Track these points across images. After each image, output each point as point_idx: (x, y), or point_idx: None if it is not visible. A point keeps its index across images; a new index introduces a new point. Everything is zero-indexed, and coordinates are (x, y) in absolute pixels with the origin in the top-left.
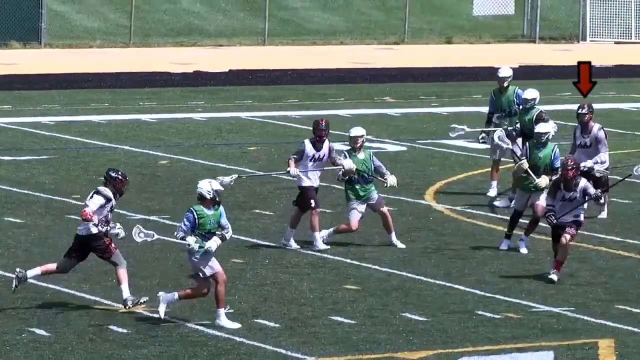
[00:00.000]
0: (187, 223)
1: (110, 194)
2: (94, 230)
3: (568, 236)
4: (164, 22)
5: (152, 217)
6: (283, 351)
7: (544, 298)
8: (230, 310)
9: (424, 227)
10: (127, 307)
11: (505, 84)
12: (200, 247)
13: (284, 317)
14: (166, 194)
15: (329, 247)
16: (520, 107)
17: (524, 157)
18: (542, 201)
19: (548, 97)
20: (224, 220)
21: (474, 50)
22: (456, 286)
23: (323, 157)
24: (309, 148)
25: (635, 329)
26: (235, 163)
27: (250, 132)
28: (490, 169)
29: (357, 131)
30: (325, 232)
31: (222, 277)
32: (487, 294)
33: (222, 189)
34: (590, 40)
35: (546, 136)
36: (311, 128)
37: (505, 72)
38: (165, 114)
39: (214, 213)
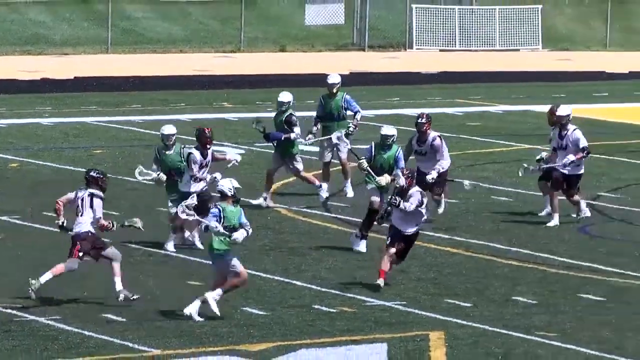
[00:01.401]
0: (212, 218)
1: (102, 194)
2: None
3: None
4: (12, 32)
5: (2, 217)
6: (130, 344)
7: (376, 293)
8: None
9: (262, 226)
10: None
11: (334, 90)
12: (225, 235)
13: (131, 311)
14: (16, 195)
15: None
16: (348, 111)
17: (362, 157)
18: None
19: (377, 102)
20: (244, 219)
21: (306, 58)
22: (294, 282)
23: (208, 162)
24: (198, 156)
25: (464, 322)
26: (82, 165)
27: (96, 136)
28: (321, 171)
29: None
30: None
31: (244, 276)
32: (323, 289)
33: (239, 186)
34: (417, 49)
35: (392, 139)
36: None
37: (334, 78)
38: (14, 119)
39: (236, 209)
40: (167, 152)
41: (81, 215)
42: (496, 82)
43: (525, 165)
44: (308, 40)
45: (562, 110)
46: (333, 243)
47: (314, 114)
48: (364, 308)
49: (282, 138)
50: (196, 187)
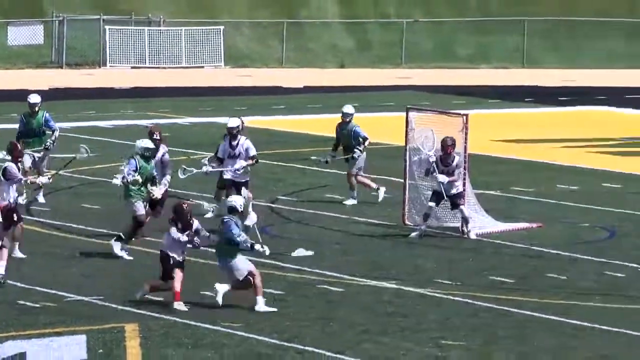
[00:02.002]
0: (241, 231)
1: None
2: None
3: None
4: None
5: None
6: None
7: (77, 288)
8: None
9: None
10: None
11: (36, 109)
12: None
13: None
14: None
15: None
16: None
17: (135, 172)
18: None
19: (75, 115)
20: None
21: (8, 76)
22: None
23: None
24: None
25: (156, 314)
26: None
27: None
28: None
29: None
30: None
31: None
32: (27, 286)
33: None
34: (110, 66)
35: (150, 152)
36: None
37: (35, 99)
38: None
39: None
40: None
41: None
42: (184, 97)
43: (184, 166)
44: (11, 59)
45: (232, 122)
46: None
47: (15, 126)
48: (64, 303)
49: None
50: None
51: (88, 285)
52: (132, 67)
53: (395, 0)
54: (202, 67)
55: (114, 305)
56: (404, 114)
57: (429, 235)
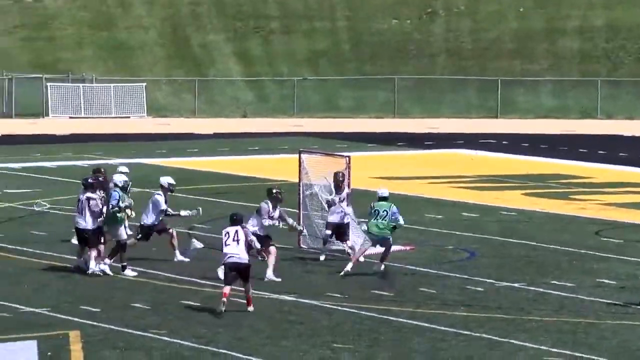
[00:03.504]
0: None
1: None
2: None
3: None
4: None
5: None
6: None
7: (27, 301)
8: None
9: None
10: None
11: None
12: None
13: None
14: None
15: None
16: None
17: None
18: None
19: (23, 157)
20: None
21: None
22: None
23: None
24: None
25: (95, 323)
26: None
27: None
28: None
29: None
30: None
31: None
32: None
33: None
34: (52, 116)
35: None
36: None
37: None
38: None
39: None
40: None
41: None
42: (113, 142)
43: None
44: None
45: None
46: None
47: None
48: (18, 314)
49: None
50: None
51: (37, 298)
52: (70, 117)
53: (287, 61)
54: (129, 117)
55: (59, 315)
56: (297, 155)
57: (320, 255)
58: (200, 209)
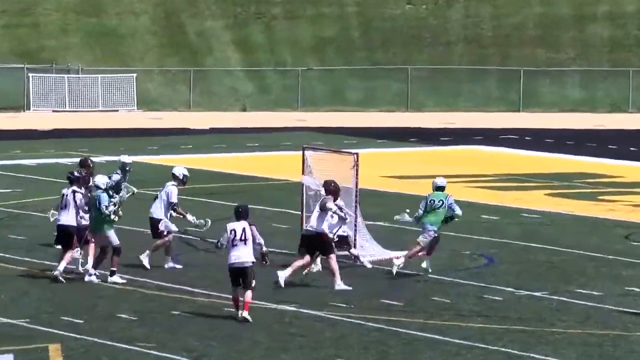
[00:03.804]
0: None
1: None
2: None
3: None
4: None
5: None
6: None
7: (4, 311)
8: None
9: None
10: None
11: None
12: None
13: None
14: None
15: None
16: None
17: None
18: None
19: (2, 154)
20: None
21: None
22: None
23: None
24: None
25: (77, 335)
26: None
27: None
28: None
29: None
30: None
31: None
32: None
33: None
34: (34, 110)
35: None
36: None
37: None
38: None
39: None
40: None
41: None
42: (101, 137)
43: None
44: None
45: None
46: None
47: None
48: None
49: None
50: None
51: (15, 308)
52: (54, 111)
53: (291, 49)
54: (117, 110)
55: (38, 327)
56: (301, 152)
57: (324, 261)
58: (210, 221)
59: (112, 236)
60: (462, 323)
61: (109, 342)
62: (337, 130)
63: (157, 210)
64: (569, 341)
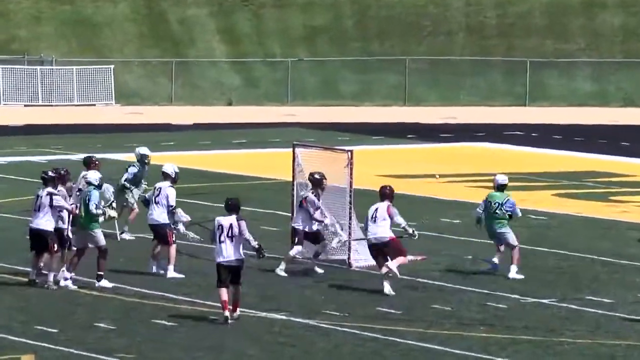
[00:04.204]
0: None
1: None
2: None
3: None
4: None
5: None
6: None
7: None
8: None
9: None
10: None
11: None
12: None
13: None
14: None
15: None
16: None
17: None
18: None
19: None
20: None
21: None
22: None
23: None
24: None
25: (52, 346)
26: None
27: None
28: None
29: None
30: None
31: None
32: None
33: None
34: (4, 104)
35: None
36: None
37: None
38: None
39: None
40: None
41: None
42: (76, 133)
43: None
44: None
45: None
46: None
47: None
48: None
49: None
50: None
51: None
52: (25, 105)
53: (280, 39)
54: (94, 105)
55: (10, 337)
56: (291, 150)
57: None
58: (202, 239)
59: (99, 235)
60: (463, 332)
61: (85, 353)
62: (329, 126)
63: (160, 215)
64: (578, 352)
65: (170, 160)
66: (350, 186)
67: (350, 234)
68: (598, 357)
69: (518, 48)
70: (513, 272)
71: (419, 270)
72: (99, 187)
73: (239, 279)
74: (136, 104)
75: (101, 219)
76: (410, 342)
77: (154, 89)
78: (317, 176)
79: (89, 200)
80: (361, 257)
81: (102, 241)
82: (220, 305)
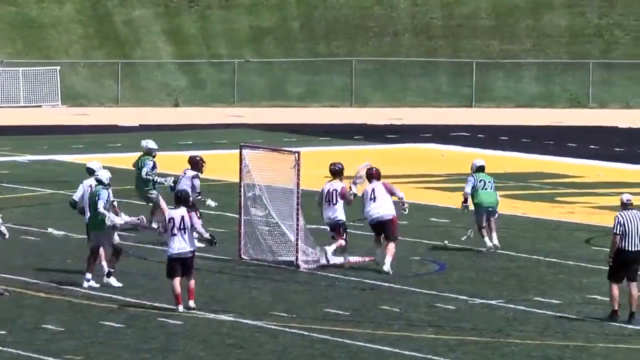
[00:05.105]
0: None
1: None
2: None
3: None
4: None
5: None
6: None
7: None
8: None
9: None
10: None
11: None
12: None
13: None
14: None
15: None
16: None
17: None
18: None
19: None
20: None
21: None
22: None
23: None
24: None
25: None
26: None
27: None
28: None
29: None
30: None
31: None
32: None
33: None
34: None
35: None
36: None
37: None
38: None
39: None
40: None
41: None
42: (22, 135)
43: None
44: None
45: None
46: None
47: None
48: None
49: None
50: None
51: None
52: None
53: (227, 40)
54: (40, 106)
55: None
56: (238, 151)
57: (264, 267)
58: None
59: (112, 234)
60: (412, 334)
61: (34, 355)
62: (276, 127)
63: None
64: (526, 353)
65: (117, 162)
66: (298, 187)
67: (298, 235)
68: (546, 358)
69: (464, 49)
70: (495, 239)
71: (366, 272)
72: (108, 186)
73: (191, 271)
74: (82, 105)
75: (109, 222)
76: (359, 343)
77: (100, 90)
78: (340, 166)
79: (98, 199)
80: (310, 259)
81: (117, 239)
82: (173, 300)
